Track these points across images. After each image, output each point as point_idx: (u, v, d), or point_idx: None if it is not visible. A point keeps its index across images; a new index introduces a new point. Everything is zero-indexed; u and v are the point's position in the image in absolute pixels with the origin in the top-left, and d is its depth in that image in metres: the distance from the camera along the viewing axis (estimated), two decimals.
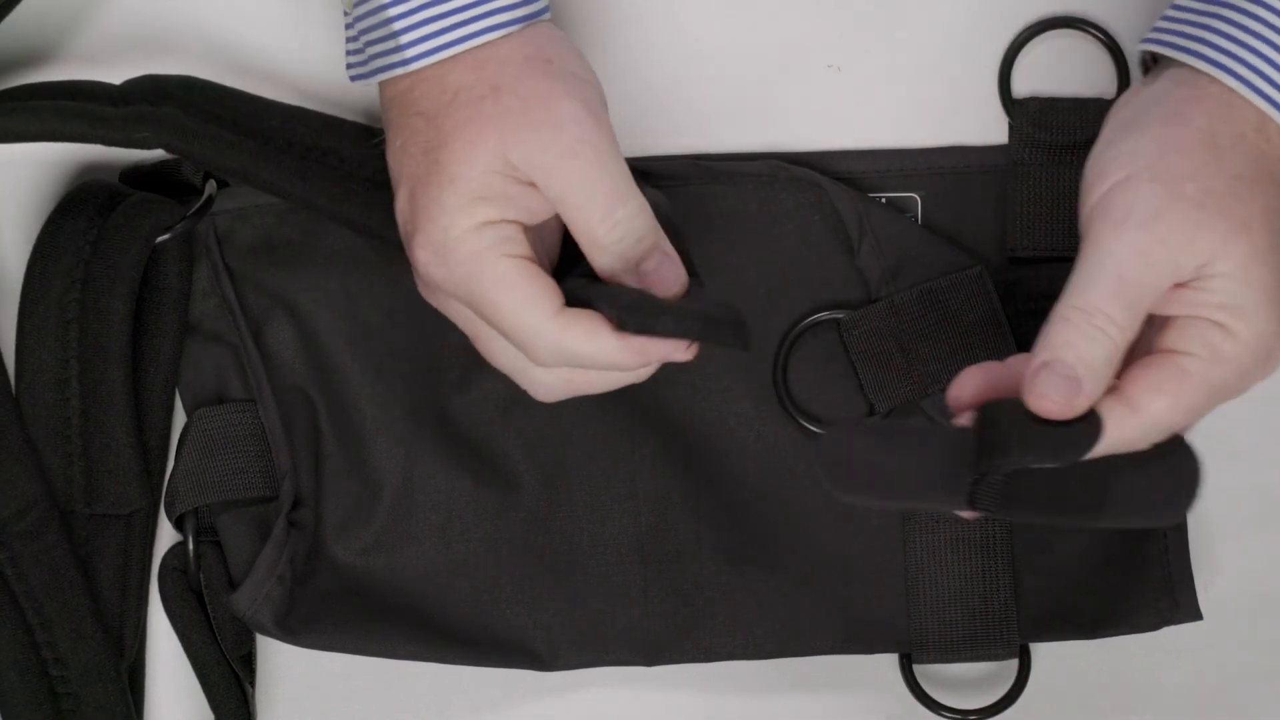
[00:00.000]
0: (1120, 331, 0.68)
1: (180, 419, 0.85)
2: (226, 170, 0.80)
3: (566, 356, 0.72)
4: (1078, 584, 0.84)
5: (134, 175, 0.84)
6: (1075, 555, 0.84)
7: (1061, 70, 0.84)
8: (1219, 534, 0.86)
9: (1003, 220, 0.84)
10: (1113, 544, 0.84)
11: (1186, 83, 0.71)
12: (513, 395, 0.84)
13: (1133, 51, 0.83)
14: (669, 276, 0.72)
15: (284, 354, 0.84)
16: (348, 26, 0.76)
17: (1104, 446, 0.68)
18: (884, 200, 0.84)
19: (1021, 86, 0.84)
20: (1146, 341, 0.70)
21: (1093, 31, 0.83)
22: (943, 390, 0.83)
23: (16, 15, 0.82)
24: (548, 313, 0.71)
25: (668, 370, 0.84)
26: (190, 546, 0.84)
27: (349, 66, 0.76)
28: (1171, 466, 0.72)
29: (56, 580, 0.82)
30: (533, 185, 0.72)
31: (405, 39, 0.72)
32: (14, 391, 0.82)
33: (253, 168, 0.79)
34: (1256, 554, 0.86)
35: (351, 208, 0.79)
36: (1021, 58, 0.84)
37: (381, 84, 0.75)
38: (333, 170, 0.79)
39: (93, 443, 0.82)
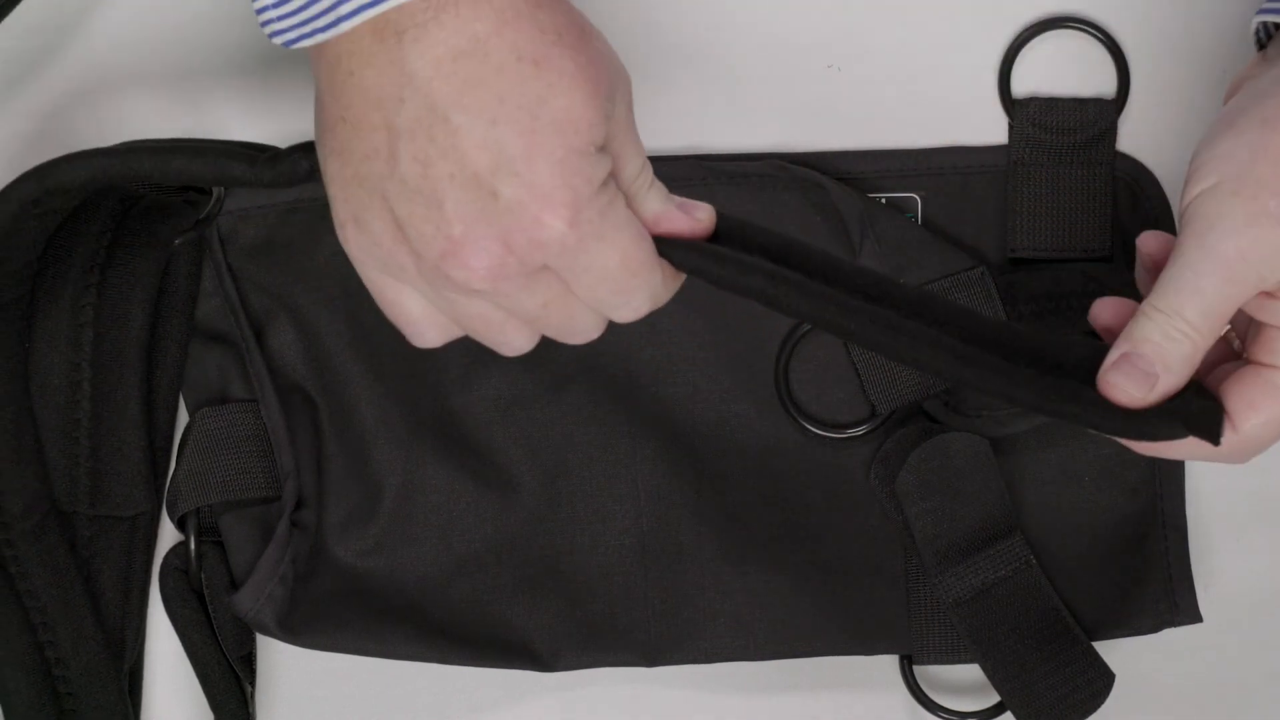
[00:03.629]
0: (1200, 336, 0.68)
1: (182, 419, 0.85)
2: None
3: (672, 287, 0.69)
4: (1077, 587, 0.84)
5: None
6: (1075, 558, 0.85)
7: (1061, 70, 0.84)
8: (1219, 535, 0.86)
9: (1003, 221, 0.84)
10: (1113, 546, 0.85)
11: None
12: (513, 396, 0.84)
13: (1132, 51, 0.83)
14: (699, 204, 0.69)
15: (286, 354, 0.84)
16: None
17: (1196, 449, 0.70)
18: (884, 200, 0.84)
19: (1021, 86, 0.84)
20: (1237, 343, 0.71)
21: (1093, 31, 0.83)
22: (945, 391, 0.84)
23: (17, 14, 0.82)
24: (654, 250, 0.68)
25: (669, 371, 0.84)
26: (192, 546, 0.84)
27: (290, 29, 0.65)
28: None
29: (59, 580, 0.82)
30: None
31: None
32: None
33: None
34: (1256, 554, 0.86)
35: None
36: (1021, 58, 0.84)
37: (407, 40, 0.63)
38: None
39: (102, 445, 0.82)
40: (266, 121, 0.85)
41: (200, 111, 0.85)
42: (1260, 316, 0.69)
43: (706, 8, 0.84)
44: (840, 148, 0.85)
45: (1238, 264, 0.67)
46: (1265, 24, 0.71)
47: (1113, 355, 0.69)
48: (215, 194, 0.82)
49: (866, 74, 0.84)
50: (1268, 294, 0.68)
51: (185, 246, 0.82)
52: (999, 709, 0.85)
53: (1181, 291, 0.68)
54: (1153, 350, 0.68)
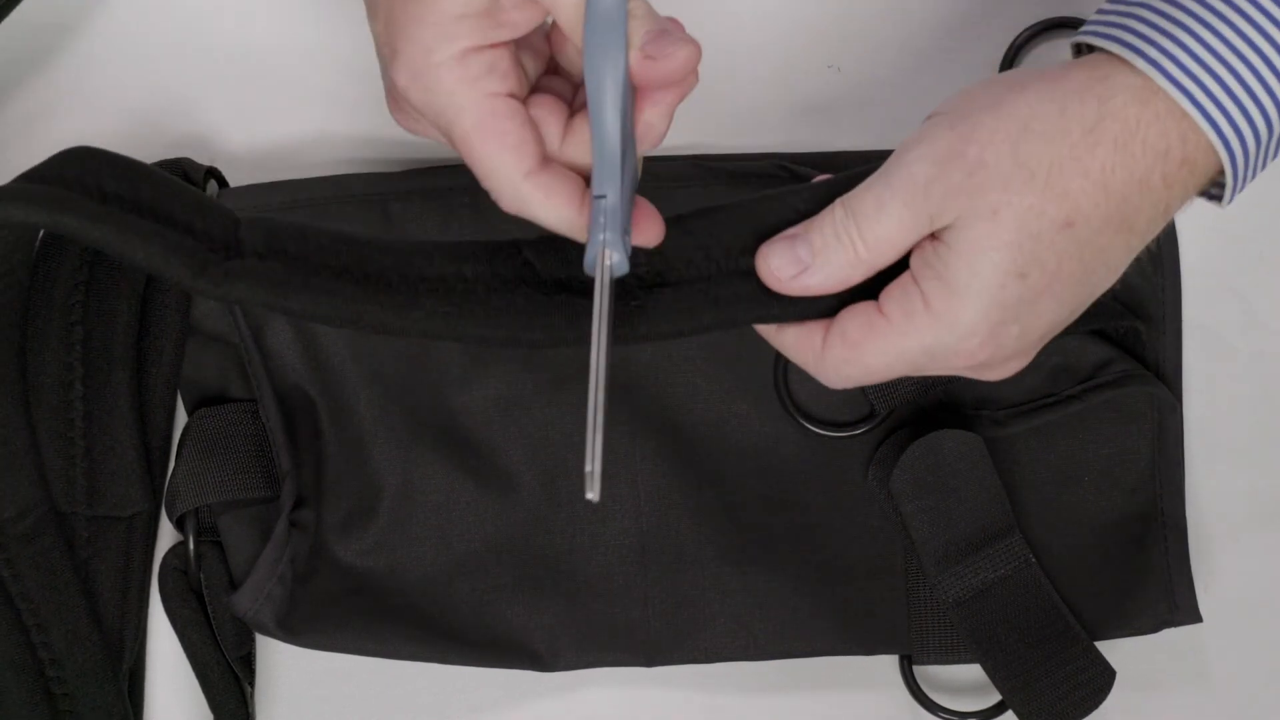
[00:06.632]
0: (866, 249, 0.67)
1: (181, 418, 0.85)
2: (326, 320, 0.69)
3: (526, 214, 0.67)
4: (1077, 587, 0.84)
5: None
6: (1075, 558, 0.85)
7: None
8: (1219, 535, 0.86)
9: None
10: (1112, 546, 0.85)
11: (1087, 64, 0.67)
12: (513, 396, 0.84)
13: None
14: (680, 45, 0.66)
15: (284, 354, 0.84)
16: None
17: (793, 349, 0.70)
18: None
19: None
20: None
21: None
22: (944, 390, 0.84)
23: (17, 14, 0.82)
24: (520, 171, 0.66)
25: (669, 371, 0.84)
26: (191, 546, 0.84)
27: None
28: None
29: (53, 582, 0.82)
30: None
31: None
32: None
33: (354, 312, 0.69)
34: (1256, 555, 0.86)
35: (467, 324, 0.69)
36: (1021, 58, 0.84)
37: None
38: (450, 291, 0.70)
39: (96, 445, 0.82)
40: (262, 123, 0.85)
41: (197, 113, 0.85)
42: (911, 262, 0.68)
43: (707, 7, 0.84)
44: (840, 148, 0.85)
45: (918, 192, 0.66)
46: (1078, 44, 0.70)
47: (789, 231, 0.69)
48: (207, 192, 0.82)
49: (866, 74, 0.85)
50: (933, 236, 0.67)
51: None
52: (999, 709, 0.85)
53: (870, 195, 0.67)
54: (820, 240, 0.68)
